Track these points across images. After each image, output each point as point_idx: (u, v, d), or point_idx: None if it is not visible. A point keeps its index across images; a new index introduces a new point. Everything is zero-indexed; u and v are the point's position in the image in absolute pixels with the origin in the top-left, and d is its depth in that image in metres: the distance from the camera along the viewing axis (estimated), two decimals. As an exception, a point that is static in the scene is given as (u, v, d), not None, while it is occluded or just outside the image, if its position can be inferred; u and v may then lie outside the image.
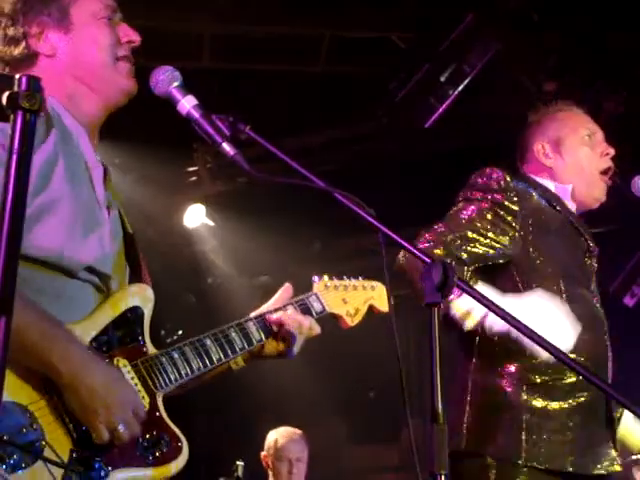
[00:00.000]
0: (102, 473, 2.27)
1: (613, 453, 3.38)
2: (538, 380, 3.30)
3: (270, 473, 6.50)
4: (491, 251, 3.37)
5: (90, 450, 2.26)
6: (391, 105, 6.91)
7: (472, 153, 6.72)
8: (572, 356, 3.10)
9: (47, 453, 2.19)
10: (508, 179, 3.47)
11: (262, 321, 2.77)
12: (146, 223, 7.80)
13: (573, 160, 3.69)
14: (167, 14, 6.01)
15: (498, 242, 3.38)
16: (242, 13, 6.19)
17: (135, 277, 2.58)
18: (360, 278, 3.15)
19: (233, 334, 2.67)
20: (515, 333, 2.92)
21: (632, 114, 6.18)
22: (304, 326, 2.82)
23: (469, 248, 3.31)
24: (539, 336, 2.32)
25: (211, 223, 8.25)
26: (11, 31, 2.49)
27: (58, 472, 2.19)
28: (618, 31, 6.05)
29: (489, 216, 3.40)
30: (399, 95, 6.77)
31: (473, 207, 3.42)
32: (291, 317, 2.81)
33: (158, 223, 8.01)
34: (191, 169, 7.92)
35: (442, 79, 6.45)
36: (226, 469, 6.51)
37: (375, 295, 3.14)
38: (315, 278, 3.01)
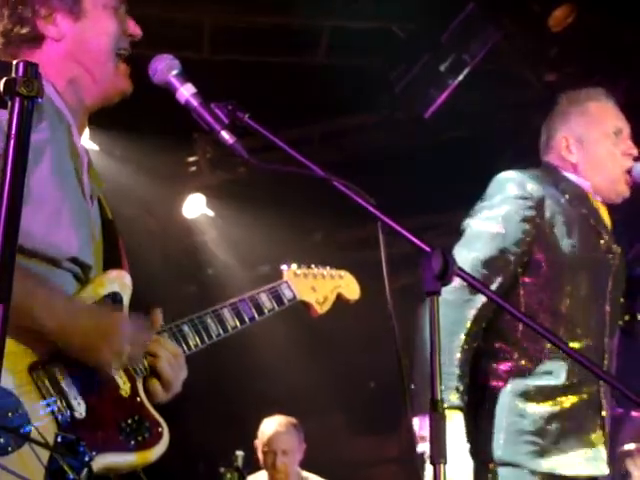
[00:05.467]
0: (86, 457, 2.27)
1: (600, 456, 3.36)
2: (522, 383, 3.33)
3: (261, 462, 6.45)
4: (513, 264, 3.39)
5: (75, 433, 2.26)
6: (391, 96, 6.91)
7: (472, 143, 6.73)
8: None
9: (33, 437, 2.18)
10: (525, 185, 3.44)
11: (236, 308, 2.80)
12: (146, 213, 7.79)
13: (595, 158, 3.62)
14: (168, 3, 6.00)
15: (518, 252, 3.39)
16: (242, 3, 6.18)
17: (114, 264, 2.57)
18: (328, 267, 3.21)
19: (209, 320, 2.70)
20: None
21: (633, 104, 6.17)
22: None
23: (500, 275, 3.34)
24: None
25: (211, 213, 8.24)
26: (20, 10, 2.46)
27: (44, 456, 2.18)
28: (619, 21, 6.05)
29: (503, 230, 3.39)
30: (399, 86, 6.77)
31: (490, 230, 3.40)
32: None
33: (158, 213, 8.01)
34: (191, 159, 7.92)
35: (442, 69, 6.45)
36: (226, 459, 6.52)
37: (343, 284, 3.22)
38: (284, 266, 3.08)
